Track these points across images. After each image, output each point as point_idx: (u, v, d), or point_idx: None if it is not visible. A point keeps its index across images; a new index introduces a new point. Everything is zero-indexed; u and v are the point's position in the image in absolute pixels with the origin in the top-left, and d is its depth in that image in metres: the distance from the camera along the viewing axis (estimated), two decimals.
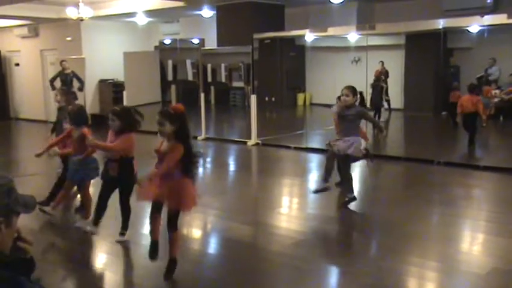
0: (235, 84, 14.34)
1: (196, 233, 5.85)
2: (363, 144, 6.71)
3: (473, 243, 5.52)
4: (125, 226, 5.38)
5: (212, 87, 14.41)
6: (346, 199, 6.54)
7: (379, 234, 5.83)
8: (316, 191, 6.82)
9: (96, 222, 5.32)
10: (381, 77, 12.37)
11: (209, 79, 14.22)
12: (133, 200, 5.19)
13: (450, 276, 4.61)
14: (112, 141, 5.14)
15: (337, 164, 6.78)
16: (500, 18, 8.99)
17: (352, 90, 6.43)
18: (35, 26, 16.47)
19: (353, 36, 11.76)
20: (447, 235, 5.61)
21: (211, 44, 13.61)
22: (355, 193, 6.59)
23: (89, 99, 15.31)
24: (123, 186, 5.25)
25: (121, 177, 5.17)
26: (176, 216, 4.35)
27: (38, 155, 6.02)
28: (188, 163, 4.27)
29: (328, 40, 12.93)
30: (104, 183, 5.31)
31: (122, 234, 5.37)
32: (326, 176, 6.66)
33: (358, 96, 6.78)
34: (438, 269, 4.74)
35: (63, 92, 8.40)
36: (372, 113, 11.37)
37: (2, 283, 1.83)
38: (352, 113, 6.41)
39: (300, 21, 12.46)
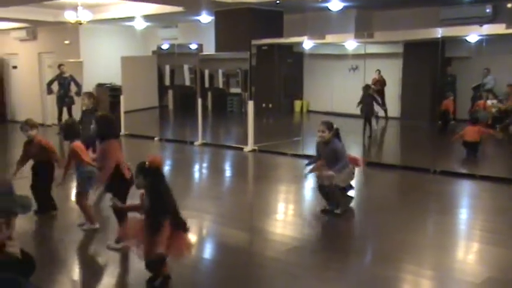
0: (233, 90, 14.35)
1: (191, 238, 5.83)
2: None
3: (468, 252, 5.52)
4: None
5: (209, 93, 14.42)
6: (335, 210, 6.44)
7: (374, 241, 5.82)
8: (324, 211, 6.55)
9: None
10: (371, 87, 12.07)
11: (206, 84, 14.24)
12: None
13: (445, 285, 4.60)
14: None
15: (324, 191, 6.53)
16: (499, 28, 9.03)
17: (327, 125, 6.28)
18: (33, 29, 16.47)
19: (351, 44, 11.78)
20: (442, 243, 5.61)
21: (209, 49, 13.64)
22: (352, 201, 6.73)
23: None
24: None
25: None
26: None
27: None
28: (160, 218, 4.03)
29: (326, 47, 12.96)
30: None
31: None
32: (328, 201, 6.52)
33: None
34: (433, 277, 4.74)
35: (89, 95, 8.43)
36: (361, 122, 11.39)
37: (3, 283, 1.82)
38: (328, 150, 6.30)
39: (299, 28, 12.50)
